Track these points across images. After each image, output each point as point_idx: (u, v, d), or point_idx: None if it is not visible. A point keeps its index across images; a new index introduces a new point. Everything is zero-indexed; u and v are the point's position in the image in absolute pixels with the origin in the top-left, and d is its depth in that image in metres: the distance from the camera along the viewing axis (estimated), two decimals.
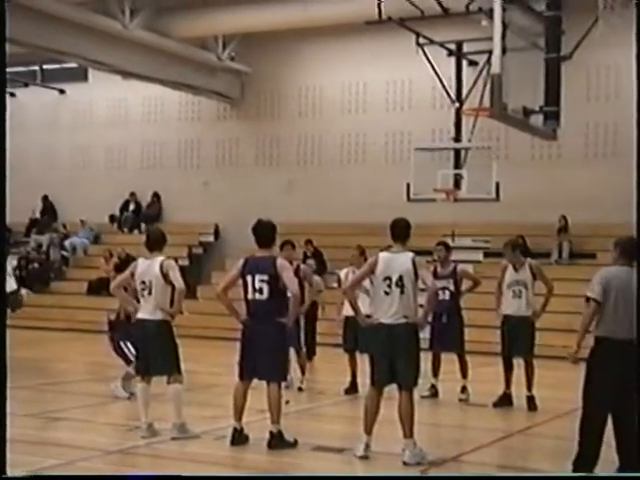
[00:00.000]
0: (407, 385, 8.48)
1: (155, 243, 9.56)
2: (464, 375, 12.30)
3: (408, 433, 8.41)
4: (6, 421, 5.82)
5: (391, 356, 8.44)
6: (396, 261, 8.50)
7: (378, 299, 8.58)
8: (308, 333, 17.12)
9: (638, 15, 7.63)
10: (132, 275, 9.52)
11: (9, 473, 5.99)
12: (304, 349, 13.43)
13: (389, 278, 8.44)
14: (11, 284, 19.74)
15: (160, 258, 9.41)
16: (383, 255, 8.60)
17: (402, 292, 8.42)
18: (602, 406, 7.46)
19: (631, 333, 7.15)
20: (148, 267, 9.38)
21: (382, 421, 8.66)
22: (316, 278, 16.00)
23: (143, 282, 9.37)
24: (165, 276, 9.27)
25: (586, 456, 7.45)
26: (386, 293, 8.46)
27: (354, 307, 8.95)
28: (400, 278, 8.41)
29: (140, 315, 9.49)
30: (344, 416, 11.60)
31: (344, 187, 23.72)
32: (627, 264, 7.56)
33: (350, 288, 9.27)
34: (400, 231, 8.64)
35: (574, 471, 7.47)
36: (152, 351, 9.33)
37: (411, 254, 8.58)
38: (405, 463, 8.27)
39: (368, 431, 8.52)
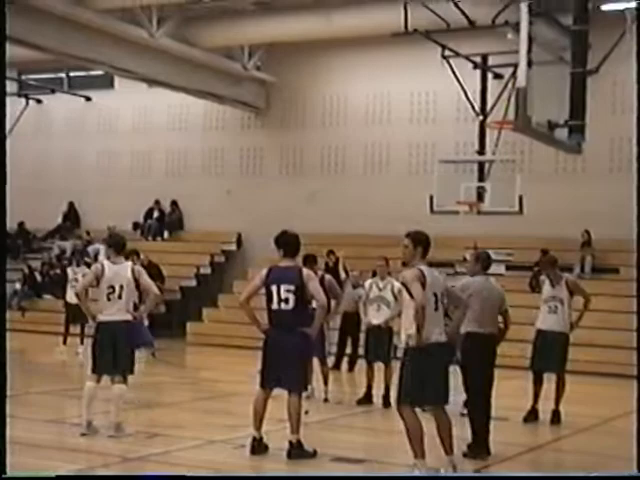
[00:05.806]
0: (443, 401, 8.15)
1: (122, 247, 9.85)
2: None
3: (449, 449, 8.08)
4: (6, 421, 5.84)
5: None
6: (435, 275, 8.08)
7: (429, 316, 7.85)
8: (343, 345, 16.92)
9: (639, 16, 7.57)
10: (97, 279, 9.59)
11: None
12: (328, 360, 13.35)
13: (435, 294, 7.98)
14: None
15: (129, 264, 9.79)
16: (425, 268, 8.01)
17: (442, 308, 8.08)
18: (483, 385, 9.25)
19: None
20: (117, 272, 9.56)
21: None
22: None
23: (112, 286, 9.52)
24: (136, 281, 9.58)
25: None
26: (435, 309, 7.94)
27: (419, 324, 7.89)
28: (442, 294, 8.05)
29: (108, 317, 9.57)
30: (364, 427, 11.56)
31: (367, 198, 23.68)
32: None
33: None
34: (428, 245, 8.14)
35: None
36: (120, 351, 9.55)
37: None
38: None
39: (423, 455, 7.89)
